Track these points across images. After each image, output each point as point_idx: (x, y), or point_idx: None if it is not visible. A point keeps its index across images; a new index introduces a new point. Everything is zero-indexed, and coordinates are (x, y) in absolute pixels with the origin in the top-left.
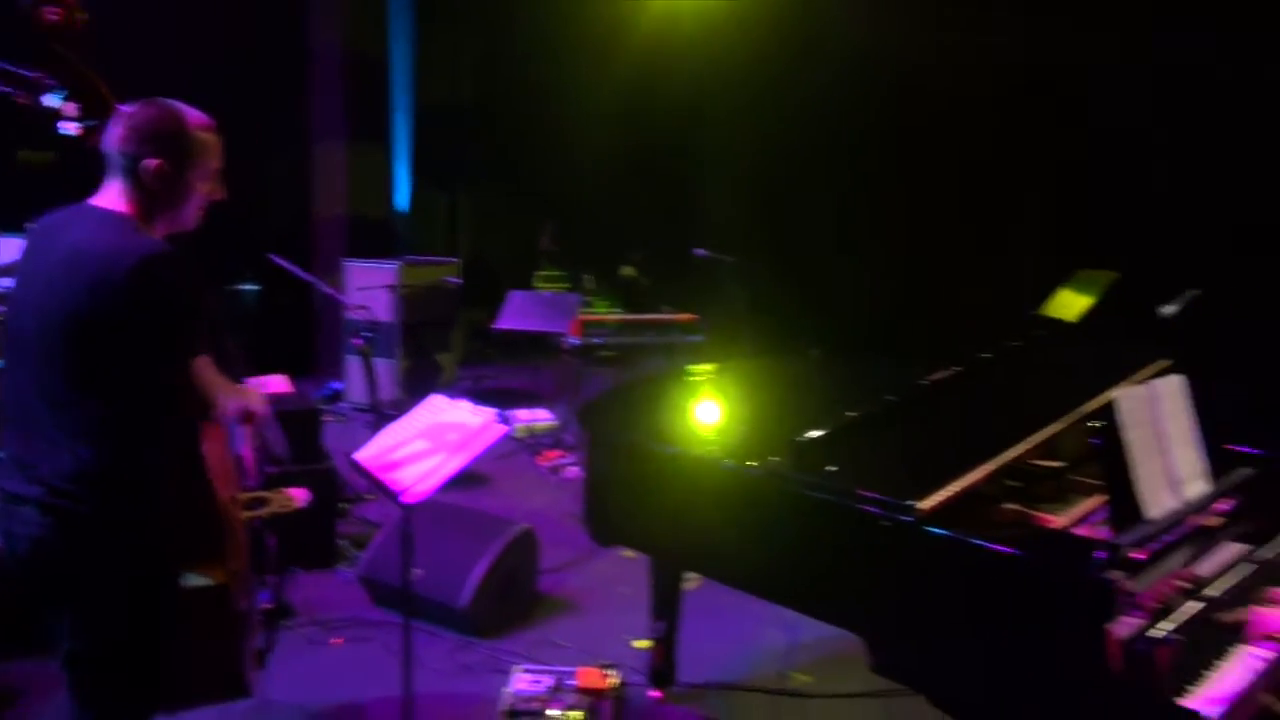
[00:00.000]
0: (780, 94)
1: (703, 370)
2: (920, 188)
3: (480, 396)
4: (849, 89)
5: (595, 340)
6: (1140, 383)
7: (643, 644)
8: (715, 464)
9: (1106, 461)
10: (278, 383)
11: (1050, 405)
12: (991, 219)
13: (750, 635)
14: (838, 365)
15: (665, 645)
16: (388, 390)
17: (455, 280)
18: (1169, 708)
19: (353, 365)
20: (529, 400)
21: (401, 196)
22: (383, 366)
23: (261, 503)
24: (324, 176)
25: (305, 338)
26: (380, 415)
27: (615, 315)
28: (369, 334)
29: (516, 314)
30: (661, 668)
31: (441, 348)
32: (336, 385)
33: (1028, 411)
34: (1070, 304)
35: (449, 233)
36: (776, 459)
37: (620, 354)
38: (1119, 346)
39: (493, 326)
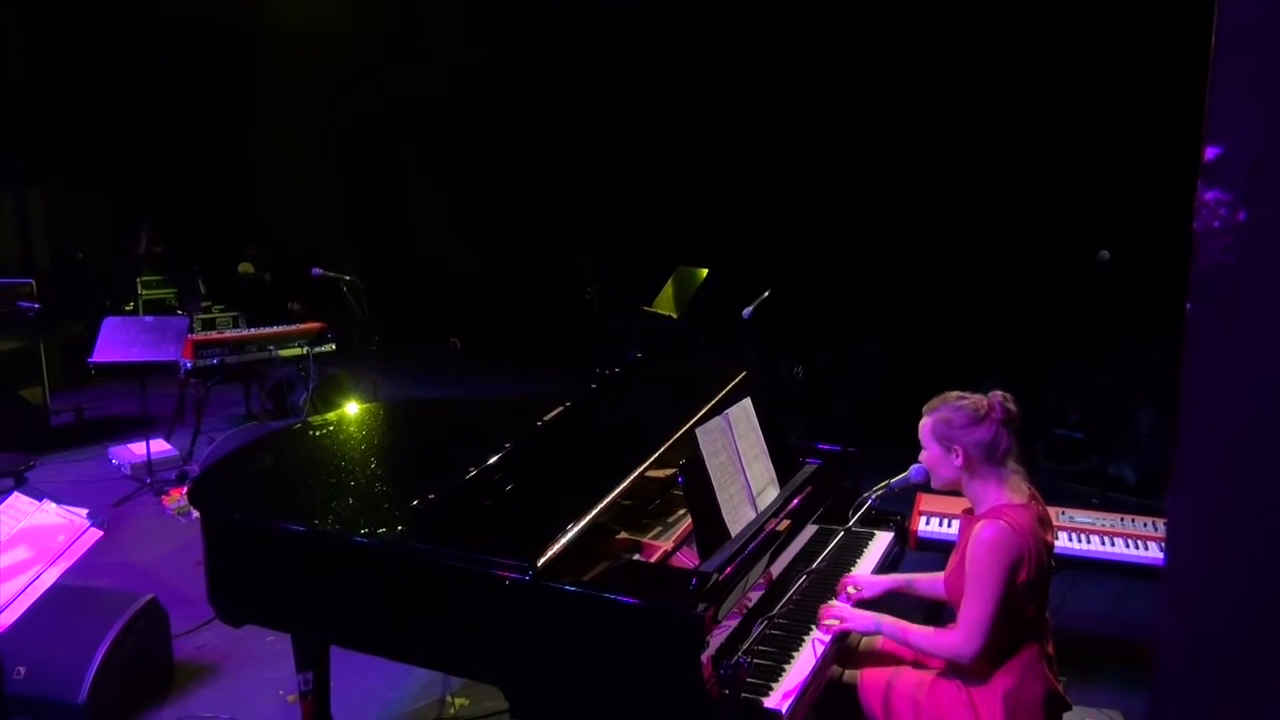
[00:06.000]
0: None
1: (326, 421)
2: (531, 189)
3: (84, 429)
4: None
5: (212, 362)
6: (722, 398)
7: (295, 698)
8: (339, 538)
9: (691, 494)
10: None
11: (652, 432)
12: (599, 218)
13: (406, 669)
14: (477, 359)
15: (317, 697)
16: None
17: (30, 304)
18: (753, 712)
19: None
20: (143, 429)
21: None
22: None
23: None
24: None
25: None
26: None
27: (231, 334)
28: None
29: (115, 344)
30: None
31: (25, 381)
32: None
33: (632, 443)
34: (672, 299)
35: (20, 238)
36: (401, 527)
37: (244, 369)
38: (705, 362)
39: (89, 360)
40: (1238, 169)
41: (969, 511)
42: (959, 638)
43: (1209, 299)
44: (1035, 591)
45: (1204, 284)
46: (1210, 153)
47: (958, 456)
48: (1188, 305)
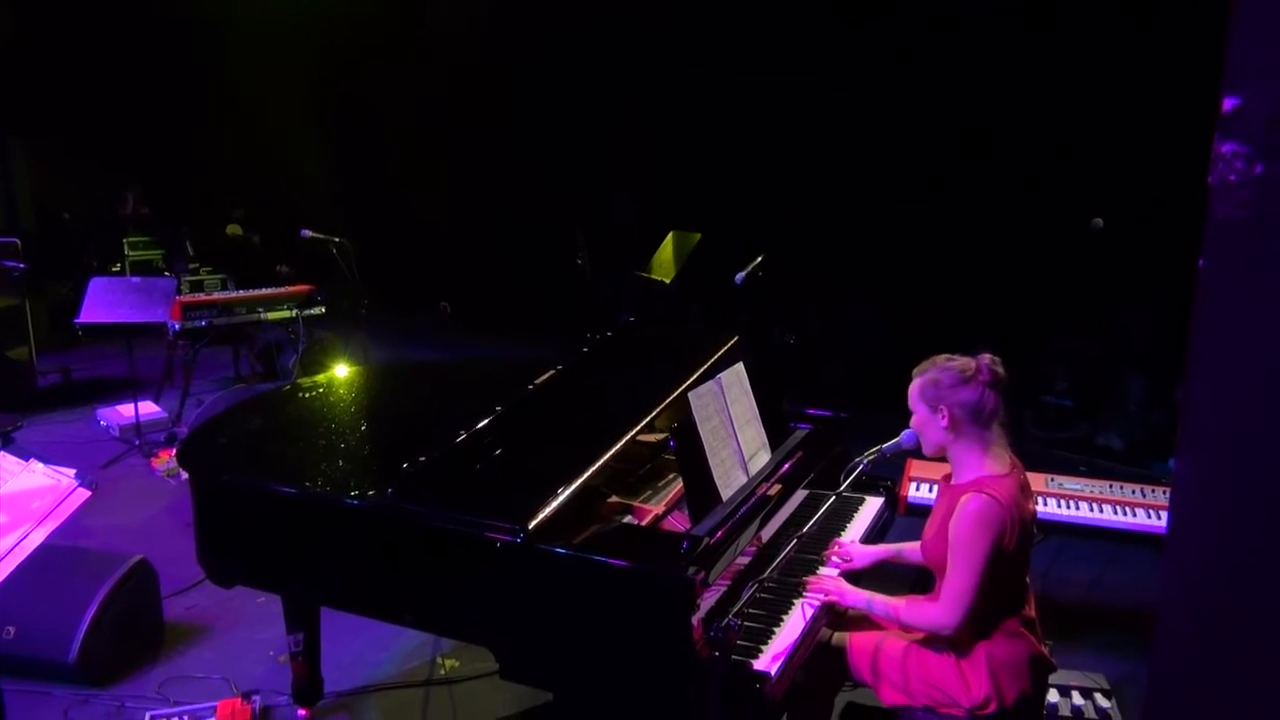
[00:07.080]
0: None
1: (315, 383)
2: (524, 153)
3: (72, 390)
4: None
5: (200, 324)
6: (714, 363)
7: (286, 659)
8: (330, 500)
9: (682, 458)
10: None
11: (644, 396)
12: (592, 183)
13: (396, 630)
14: (467, 322)
15: (308, 657)
16: None
17: (16, 264)
18: (743, 674)
19: None
20: (132, 391)
21: None
22: None
23: None
24: None
25: None
26: None
27: (219, 295)
28: None
29: (102, 305)
30: (305, 683)
31: (12, 341)
32: None
33: (624, 406)
34: (665, 264)
35: (5, 197)
36: (391, 489)
37: (233, 331)
38: (697, 327)
39: (75, 321)
40: (1256, 120)
41: (948, 478)
42: (940, 610)
43: (1223, 255)
44: (1017, 561)
45: (1219, 239)
46: (1228, 104)
47: (944, 417)
48: (1200, 261)
